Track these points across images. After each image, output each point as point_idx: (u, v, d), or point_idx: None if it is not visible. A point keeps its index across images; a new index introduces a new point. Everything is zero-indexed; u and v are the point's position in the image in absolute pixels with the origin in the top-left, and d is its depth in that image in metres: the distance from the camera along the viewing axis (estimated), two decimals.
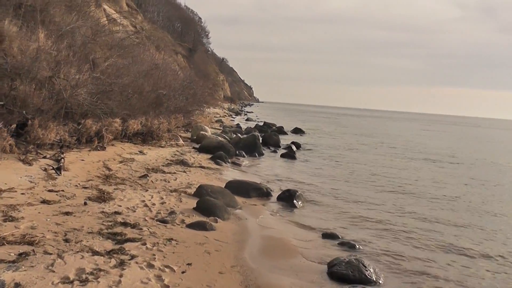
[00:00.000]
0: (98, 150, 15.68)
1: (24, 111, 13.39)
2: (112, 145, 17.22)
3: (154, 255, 7.22)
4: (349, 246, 9.40)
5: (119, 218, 8.95)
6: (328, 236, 10.02)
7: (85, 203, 9.68)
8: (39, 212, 8.63)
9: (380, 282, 7.63)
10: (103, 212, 9.26)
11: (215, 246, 8.16)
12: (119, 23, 36.36)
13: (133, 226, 8.58)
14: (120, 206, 9.89)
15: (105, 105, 16.33)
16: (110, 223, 8.56)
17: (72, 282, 5.85)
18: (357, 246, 9.42)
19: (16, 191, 9.74)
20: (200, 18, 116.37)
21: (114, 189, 11.42)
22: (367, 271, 7.67)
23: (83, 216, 8.81)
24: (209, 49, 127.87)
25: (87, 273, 6.15)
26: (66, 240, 7.35)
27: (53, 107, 14.37)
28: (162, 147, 20.34)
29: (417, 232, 11.02)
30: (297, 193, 13.08)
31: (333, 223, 11.31)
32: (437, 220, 12.39)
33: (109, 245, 7.39)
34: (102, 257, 6.79)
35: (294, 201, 12.74)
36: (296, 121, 64.87)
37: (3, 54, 14.44)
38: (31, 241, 7.08)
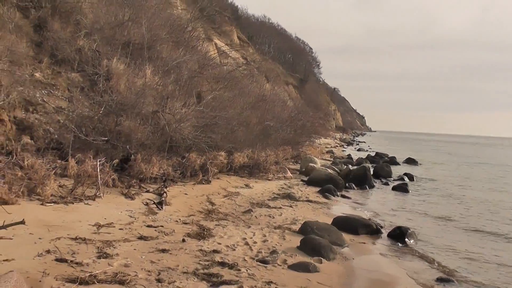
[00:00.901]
0: (203, 183, 15.48)
1: (127, 146, 13.42)
2: (218, 178, 16.98)
3: None
4: None
5: (217, 257, 8.41)
6: (443, 280, 8.87)
7: (183, 240, 9.25)
8: (134, 249, 8.30)
9: None
10: (201, 250, 8.77)
11: None
12: (229, 56, 36.81)
13: (231, 266, 7.98)
14: (220, 243, 9.36)
15: (210, 138, 16.16)
16: (207, 263, 8.03)
17: None
18: None
19: (114, 226, 9.53)
20: (311, 48, 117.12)
21: (216, 225, 10.96)
22: None
23: (179, 254, 8.37)
24: (320, 79, 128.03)
25: None
26: (159, 280, 6.89)
27: (157, 142, 14.35)
28: (269, 180, 19.88)
29: None
30: (409, 231, 11.93)
31: (448, 265, 10.03)
32: None
33: (203, 287, 6.85)
34: None
35: (406, 239, 11.61)
36: (409, 151, 61.98)
37: (110, 92, 14.70)
38: (123, 280, 6.68)
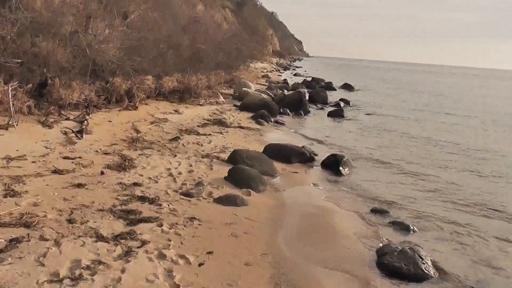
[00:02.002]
0: (129, 110, 14.63)
1: (44, 69, 12.32)
2: (146, 104, 16.14)
3: (169, 240, 6.02)
4: (401, 227, 7.90)
5: (138, 191, 7.80)
6: (377, 212, 8.54)
7: (102, 173, 8.59)
8: (47, 185, 7.58)
9: (437, 276, 6.20)
10: (120, 183, 8.14)
11: (244, 227, 6.88)
12: None
13: (152, 201, 7.40)
14: (142, 175, 8.74)
15: (136, 61, 15.12)
16: (126, 198, 7.42)
17: (61, 280, 4.73)
18: (411, 227, 7.90)
19: (26, 159, 8.73)
20: None
21: (139, 154, 10.28)
22: (423, 264, 6.18)
23: (96, 188, 7.71)
24: (258, 3, 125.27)
25: (83, 267, 5.02)
26: (70, 221, 6.25)
27: (78, 65, 13.27)
28: (200, 105, 19.12)
29: (478, 219, 8.94)
30: (343, 159, 11.51)
31: (383, 196, 9.74)
32: (505, 204, 10.11)
33: (119, 226, 6.26)
34: (106, 244, 5.67)
35: (340, 168, 11.22)
36: (345, 77, 61.82)
37: (24, 9, 13.38)
38: (29, 222, 6.00)
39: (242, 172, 9.15)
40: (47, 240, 5.58)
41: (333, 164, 11.41)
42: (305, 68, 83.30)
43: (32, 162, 8.65)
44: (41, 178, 7.84)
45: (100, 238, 5.83)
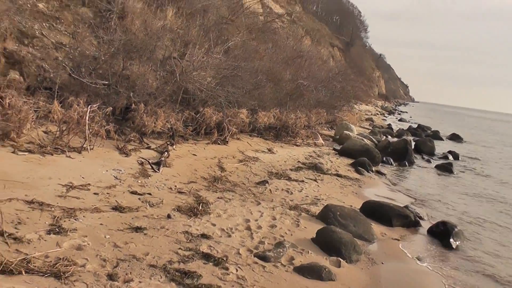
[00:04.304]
0: (219, 144, 13.55)
1: (131, 93, 11.47)
2: (238, 139, 15.02)
3: None
4: None
5: (204, 246, 6.44)
6: None
7: (169, 216, 7.35)
8: (101, 224, 6.45)
9: None
10: (187, 232, 6.83)
11: None
12: (268, 7, 34.13)
13: (218, 262, 6.00)
14: (214, 225, 7.38)
15: (228, 92, 14.04)
16: (187, 253, 6.09)
17: None
18: None
19: (89, 189, 7.71)
20: (359, 11, 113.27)
21: (218, 197, 8.98)
22: None
23: (157, 235, 6.47)
24: (367, 44, 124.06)
25: None
26: (111, 277, 5.03)
27: (167, 91, 12.36)
28: (297, 145, 17.77)
29: None
30: (456, 229, 9.52)
31: (506, 282, 7.74)
32: None
33: None
34: None
35: (451, 239, 9.25)
36: (453, 126, 58.36)
37: (122, 31, 12.80)
38: (62, 272, 4.83)
39: (333, 235, 7.52)
40: None
41: (442, 234, 9.42)
42: (411, 114, 79.90)
43: (94, 193, 7.62)
44: (97, 215, 6.74)
45: None
